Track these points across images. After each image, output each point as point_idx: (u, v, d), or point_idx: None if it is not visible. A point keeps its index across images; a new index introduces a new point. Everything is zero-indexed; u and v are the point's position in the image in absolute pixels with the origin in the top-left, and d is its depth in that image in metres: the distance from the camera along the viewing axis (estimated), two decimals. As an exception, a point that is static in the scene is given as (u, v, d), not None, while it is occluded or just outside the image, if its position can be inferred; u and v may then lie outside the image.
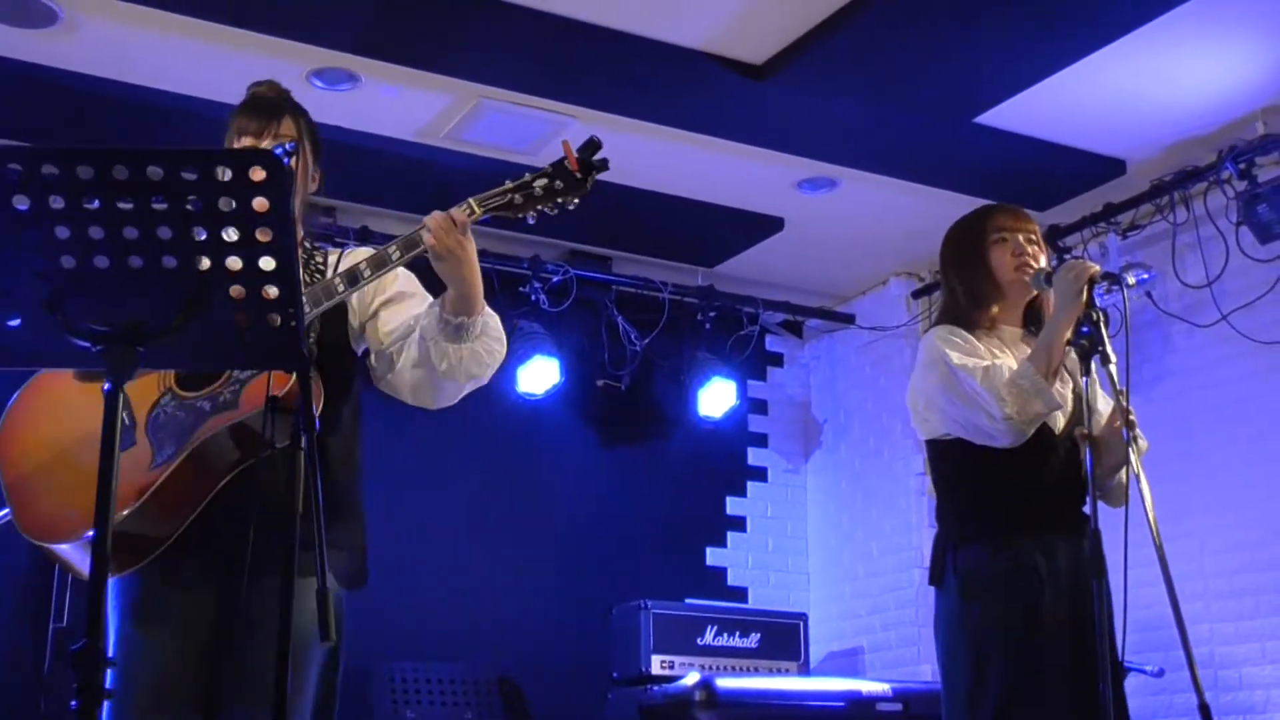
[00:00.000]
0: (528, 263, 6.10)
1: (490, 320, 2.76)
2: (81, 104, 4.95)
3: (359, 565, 2.79)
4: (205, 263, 1.93)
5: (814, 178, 5.69)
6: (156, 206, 1.88)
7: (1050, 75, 4.79)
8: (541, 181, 2.73)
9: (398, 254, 2.65)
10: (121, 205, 1.87)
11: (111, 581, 2.62)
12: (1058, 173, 5.56)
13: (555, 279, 6.18)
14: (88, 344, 1.96)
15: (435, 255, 2.64)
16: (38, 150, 1.86)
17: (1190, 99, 5.01)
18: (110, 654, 2.60)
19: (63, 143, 4.37)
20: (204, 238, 1.91)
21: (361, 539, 2.81)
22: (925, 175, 5.63)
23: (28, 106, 5.02)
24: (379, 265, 2.65)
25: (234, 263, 1.94)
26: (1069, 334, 3.13)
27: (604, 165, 2.72)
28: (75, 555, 2.56)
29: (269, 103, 2.85)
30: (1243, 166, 5.13)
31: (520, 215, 2.73)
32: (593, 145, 2.74)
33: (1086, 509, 3.10)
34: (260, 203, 1.89)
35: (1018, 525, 3.25)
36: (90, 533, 2.47)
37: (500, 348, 2.78)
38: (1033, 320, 3.44)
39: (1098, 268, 3.15)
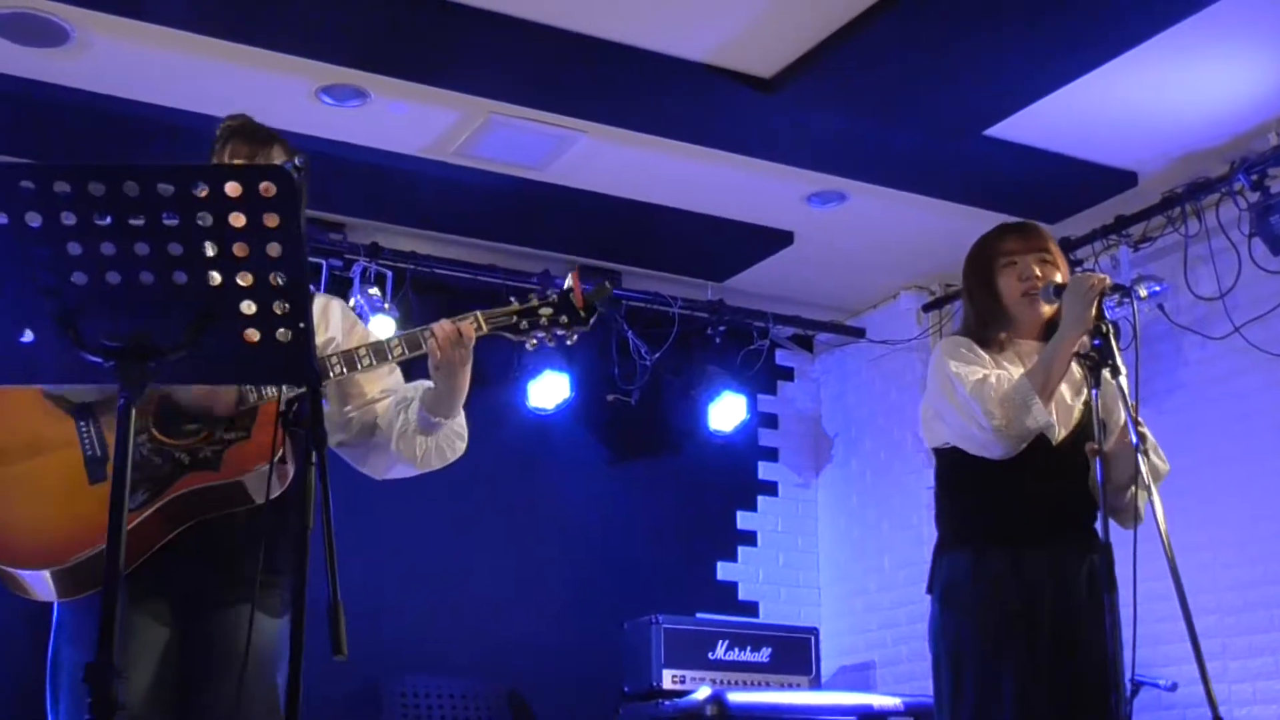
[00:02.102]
0: (537, 277, 6.10)
1: (458, 419, 2.88)
2: (93, 122, 4.97)
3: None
4: (216, 278, 1.94)
5: (823, 191, 5.69)
6: (168, 222, 1.88)
7: (1060, 87, 4.78)
8: (546, 311, 2.84)
9: (400, 351, 2.74)
10: (133, 221, 1.88)
11: (60, 606, 2.69)
12: (1068, 185, 5.55)
13: (565, 294, 6.18)
14: (99, 359, 1.96)
15: (435, 364, 2.74)
16: (50, 167, 1.86)
17: (1201, 110, 5.00)
18: (61, 660, 2.69)
19: (74, 160, 4.39)
20: (214, 253, 1.92)
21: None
22: (935, 188, 5.63)
23: (40, 125, 5.04)
24: (380, 357, 2.74)
25: (244, 278, 1.94)
26: (1076, 348, 3.13)
27: (610, 304, 2.80)
28: (34, 580, 2.57)
29: (259, 131, 2.91)
30: (1255, 178, 5.12)
31: (520, 339, 2.85)
32: (603, 290, 2.87)
33: (1095, 524, 3.09)
34: (270, 218, 1.90)
35: (1001, 536, 3.26)
36: (46, 571, 2.48)
37: (462, 445, 2.93)
38: (1052, 334, 3.42)
39: (1107, 279, 3.14)
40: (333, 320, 2.93)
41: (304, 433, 2.14)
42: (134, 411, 2.61)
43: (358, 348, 2.74)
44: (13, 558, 2.55)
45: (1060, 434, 3.27)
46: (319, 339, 2.85)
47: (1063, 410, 3.28)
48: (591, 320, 2.84)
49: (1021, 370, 3.30)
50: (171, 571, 2.59)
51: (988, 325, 3.42)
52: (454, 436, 2.89)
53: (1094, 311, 3.09)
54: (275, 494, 2.46)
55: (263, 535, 2.30)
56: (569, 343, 2.89)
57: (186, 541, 2.60)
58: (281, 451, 2.49)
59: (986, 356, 3.31)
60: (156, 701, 2.60)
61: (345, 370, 2.71)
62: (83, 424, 2.64)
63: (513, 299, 2.86)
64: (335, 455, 3.00)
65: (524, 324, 2.82)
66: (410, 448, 2.84)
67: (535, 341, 2.85)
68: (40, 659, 4.94)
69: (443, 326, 2.73)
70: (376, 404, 2.89)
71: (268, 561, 2.45)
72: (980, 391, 3.19)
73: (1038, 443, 3.23)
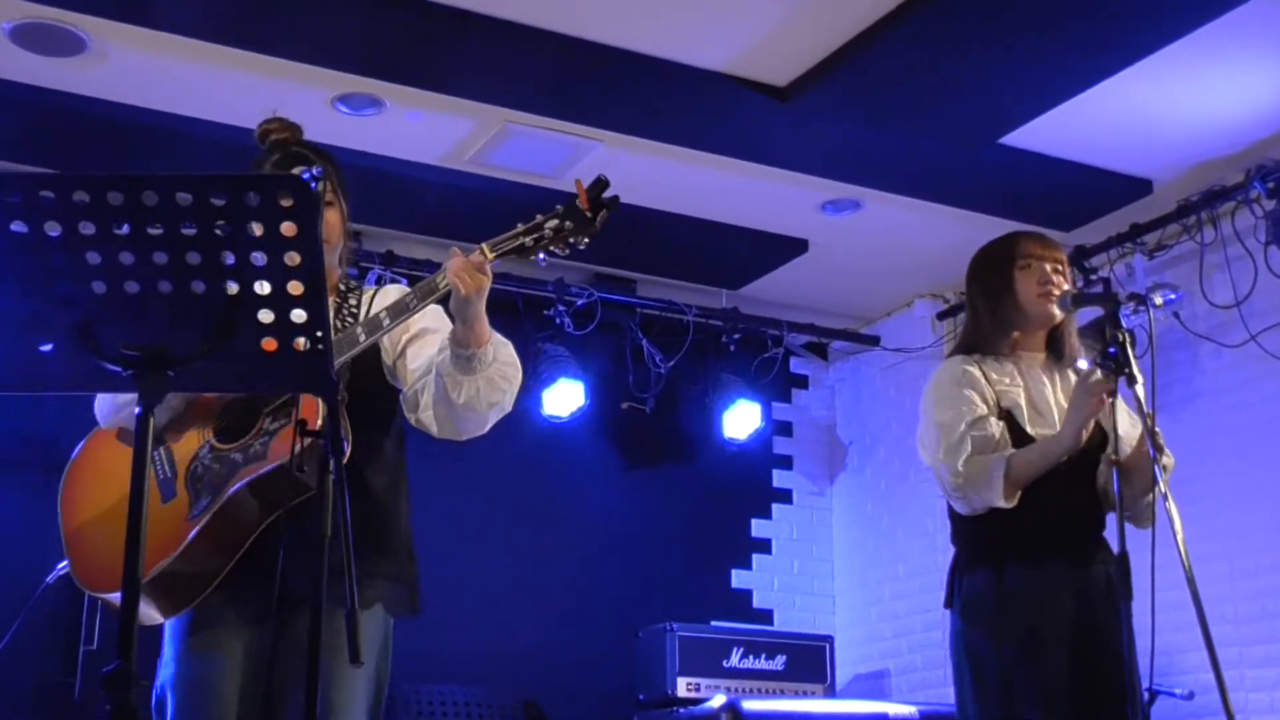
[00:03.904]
0: (552, 286, 6.12)
1: (501, 348, 2.78)
2: (110, 131, 4.99)
3: (409, 596, 2.87)
4: (234, 287, 1.94)
5: (838, 199, 5.69)
6: (186, 231, 1.89)
7: (1075, 95, 4.78)
8: (552, 223, 2.75)
9: (415, 301, 2.70)
10: (151, 230, 1.89)
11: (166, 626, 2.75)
12: (1083, 193, 5.55)
13: (580, 302, 6.19)
14: (118, 369, 1.97)
15: (462, 296, 2.66)
16: (68, 177, 1.87)
17: (1217, 118, 4.99)
18: (162, 679, 2.69)
19: (92, 169, 4.41)
20: (232, 262, 1.93)
21: (411, 569, 2.89)
22: (950, 196, 5.63)
23: (57, 134, 5.07)
24: (399, 313, 2.70)
25: (262, 287, 1.95)
26: (1071, 446, 3.19)
27: (614, 204, 2.74)
28: None
29: (295, 152, 2.89)
30: (1270, 186, 5.11)
31: (531, 257, 2.77)
32: (601, 184, 2.75)
33: (1105, 535, 3.10)
34: (288, 227, 1.90)
35: (1019, 554, 3.28)
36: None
37: (515, 372, 2.80)
38: (1055, 346, 3.46)
39: (1113, 385, 3.14)
40: (389, 299, 2.90)
41: (323, 441, 2.15)
42: (190, 426, 2.72)
43: (379, 311, 2.72)
44: (105, 584, 2.66)
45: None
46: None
47: None
48: (599, 220, 2.73)
49: (1022, 389, 3.35)
50: (257, 572, 2.60)
51: (1001, 326, 3.45)
52: (500, 364, 2.75)
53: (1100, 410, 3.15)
54: (324, 477, 2.38)
55: (344, 528, 2.26)
56: (581, 248, 2.78)
57: (269, 541, 2.61)
58: (299, 452, 2.48)
59: (977, 398, 3.33)
60: (248, 702, 2.61)
61: (368, 335, 2.68)
62: (155, 453, 2.72)
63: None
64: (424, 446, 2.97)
65: (528, 242, 2.74)
66: (458, 390, 2.71)
67: (546, 255, 2.75)
68: (54, 659, 4.97)
69: (457, 260, 2.67)
70: (432, 370, 2.81)
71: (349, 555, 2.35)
72: (952, 450, 3.27)
73: None
